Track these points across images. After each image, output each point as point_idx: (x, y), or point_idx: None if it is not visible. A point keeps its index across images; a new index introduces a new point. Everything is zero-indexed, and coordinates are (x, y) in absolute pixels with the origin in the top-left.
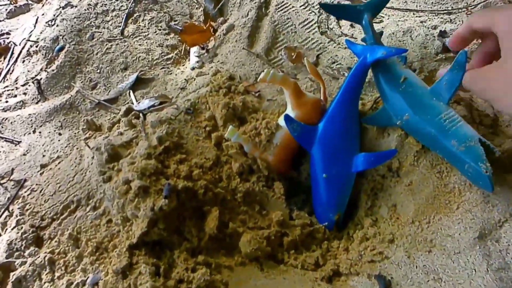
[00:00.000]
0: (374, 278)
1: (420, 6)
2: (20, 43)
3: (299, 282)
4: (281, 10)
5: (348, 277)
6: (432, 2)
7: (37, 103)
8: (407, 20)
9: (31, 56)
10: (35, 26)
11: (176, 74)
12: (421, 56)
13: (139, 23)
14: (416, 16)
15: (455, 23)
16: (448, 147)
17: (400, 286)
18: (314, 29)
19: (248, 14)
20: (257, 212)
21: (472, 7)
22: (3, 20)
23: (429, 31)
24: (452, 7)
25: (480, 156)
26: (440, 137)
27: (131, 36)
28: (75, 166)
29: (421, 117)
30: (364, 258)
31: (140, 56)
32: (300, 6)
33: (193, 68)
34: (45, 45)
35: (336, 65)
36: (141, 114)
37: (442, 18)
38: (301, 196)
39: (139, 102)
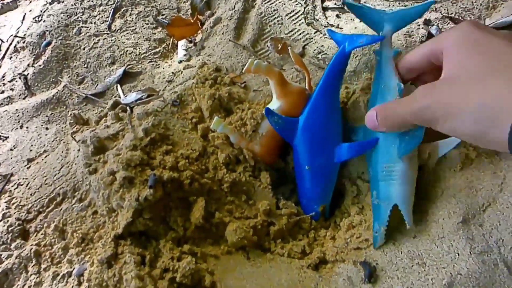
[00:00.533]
0: (360, 265)
1: None
2: (7, 40)
3: (286, 270)
4: (268, 2)
5: (334, 264)
6: None
7: (24, 98)
8: (392, 8)
9: (18, 52)
10: (22, 23)
11: (163, 68)
12: (405, 44)
13: (126, 17)
14: (401, 5)
15: (440, 11)
16: (372, 193)
17: (385, 271)
18: (300, 20)
19: (235, 6)
20: (243, 202)
21: None
22: None
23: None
24: None
25: (381, 218)
26: (372, 180)
27: (119, 31)
28: (62, 160)
29: (375, 153)
30: (350, 246)
31: (127, 50)
32: None
33: (180, 61)
34: (32, 41)
35: (322, 55)
36: (128, 107)
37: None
38: (288, 185)
39: (126, 96)
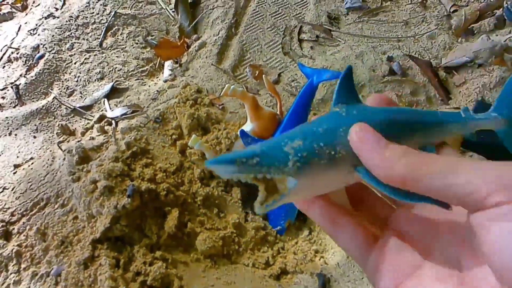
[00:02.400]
0: (316, 276)
1: (373, 32)
2: (1, 49)
3: (249, 278)
4: (250, 30)
5: (293, 275)
6: (384, 30)
7: (14, 107)
8: (360, 45)
9: (11, 62)
10: (17, 34)
11: (149, 86)
12: (369, 78)
13: (117, 36)
14: (369, 42)
15: (403, 49)
16: None
17: (338, 282)
18: (278, 49)
19: (219, 33)
20: (215, 214)
21: (419, 35)
22: None
23: (379, 56)
24: (401, 35)
25: None
26: None
27: (109, 48)
28: (47, 167)
29: None
30: (308, 258)
31: (116, 67)
32: (267, 28)
33: (165, 81)
34: (25, 53)
35: (295, 83)
36: (113, 121)
37: (392, 44)
38: None
39: (112, 110)
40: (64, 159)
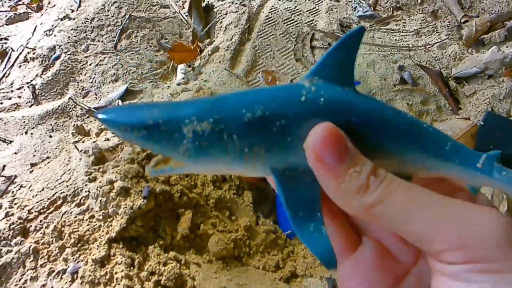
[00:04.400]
0: (325, 280)
1: (384, 41)
2: (17, 49)
3: (259, 280)
4: (262, 36)
5: (303, 278)
6: (395, 39)
7: (30, 106)
8: (372, 53)
9: (28, 62)
10: (33, 34)
11: (162, 88)
12: (381, 86)
13: (131, 38)
14: (380, 51)
15: (414, 59)
16: None
17: None
18: (290, 55)
19: (232, 38)
20: (227, 217)
21: (430, 45)
22: (2, 26)
23: (390, 64)
24: (412, 44)
25: None
26: None
27: (124, 51)
28: (64, 166)
29: None
30: (318, 262)
31: (130, 70)
32: (280, 34)
33: (179, 84)
34: (42, 53)
35: None
36: None
37: (402, 53)
38: (268, 204)
39: None
40: (80, 159)
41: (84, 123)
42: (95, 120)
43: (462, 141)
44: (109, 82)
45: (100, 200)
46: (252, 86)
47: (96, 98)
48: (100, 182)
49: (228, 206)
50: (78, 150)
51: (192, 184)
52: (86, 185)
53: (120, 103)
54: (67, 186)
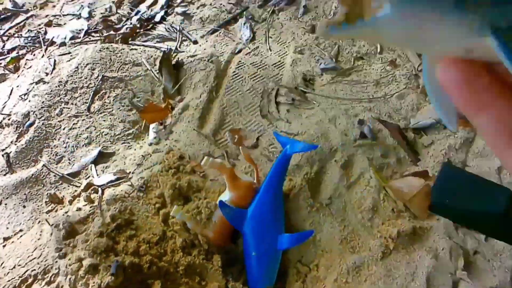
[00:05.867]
0: None
1: (346, 93)
2: None
3: None
4: (230, 93)
5: None
6: (356, 90)
7: (5, 175)
8: (334, 107)
9: (3, 128)
10: (9, 97)
11: (135, 149)
12: (341, 142)
13: (104, 99)
14: (342, 104)
15: (374, 111)
16: None
17: None
18: (256, 112)
19: (200, 96)
20: (197, 283)
21: (389, 96)
22: None
23: (351, 119)
24: (372, 95)
25: None
26: None
27: (97, 112)
28: (35, 241)
29: None
30: None
31: (103, 131)
32: (246, 90)
33: (150, 144)
34: (16, 120)
35: (272, 148)
36: (100, 189)
37: (363, 106)
38: (237, 266)
39: (99, 177)
40: (51, 234)
41: (58, 190)
42: (68, 186)
43: (417, 199)
44: (82, 145)
45: (70, 279)
46: (220, 145)
47: (69, 163)
48: (69, 259)
49: (198, 271)
50: (49, 224)
51: (161, 251)
52: (56, 261)
53: (93, 167)
54: (38, 263)
